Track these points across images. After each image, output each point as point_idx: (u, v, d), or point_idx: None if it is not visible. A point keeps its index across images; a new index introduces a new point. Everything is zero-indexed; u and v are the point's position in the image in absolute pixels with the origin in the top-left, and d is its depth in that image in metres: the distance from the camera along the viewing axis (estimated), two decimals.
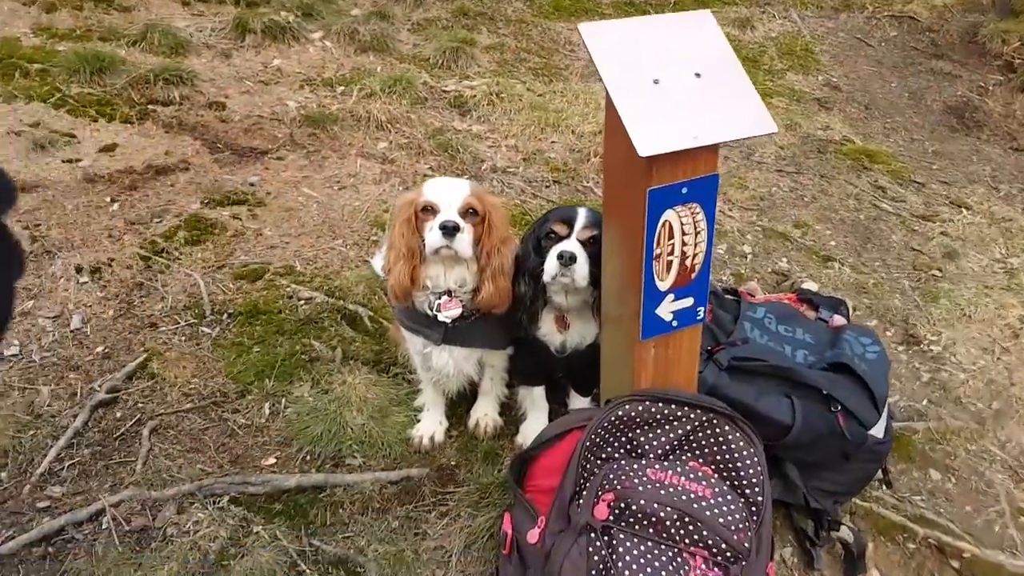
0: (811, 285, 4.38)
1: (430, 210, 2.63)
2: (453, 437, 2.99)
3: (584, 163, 5.27)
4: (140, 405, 3.16)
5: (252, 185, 4.72)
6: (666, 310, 2.43)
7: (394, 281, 2.61)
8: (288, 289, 3.62)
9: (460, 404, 3.18)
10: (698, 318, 2.49)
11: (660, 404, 2.49)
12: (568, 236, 2.70)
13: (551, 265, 2.64)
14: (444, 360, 2.84)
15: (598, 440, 2.46)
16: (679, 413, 2.47)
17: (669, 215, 2.28)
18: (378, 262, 2.65)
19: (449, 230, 2.53)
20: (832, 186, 5.40)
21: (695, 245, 2.38)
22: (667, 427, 2.48)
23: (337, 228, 4.18)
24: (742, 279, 4.35)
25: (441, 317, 2.71)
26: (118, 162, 4.78)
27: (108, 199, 4.43)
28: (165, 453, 2.96)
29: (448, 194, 2.64)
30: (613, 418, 2.46)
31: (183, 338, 3.49)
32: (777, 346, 3.20)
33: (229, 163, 4.93)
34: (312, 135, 5.36)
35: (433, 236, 2.56)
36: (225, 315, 3.64)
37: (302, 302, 3.75)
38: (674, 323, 2.46)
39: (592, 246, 2.66)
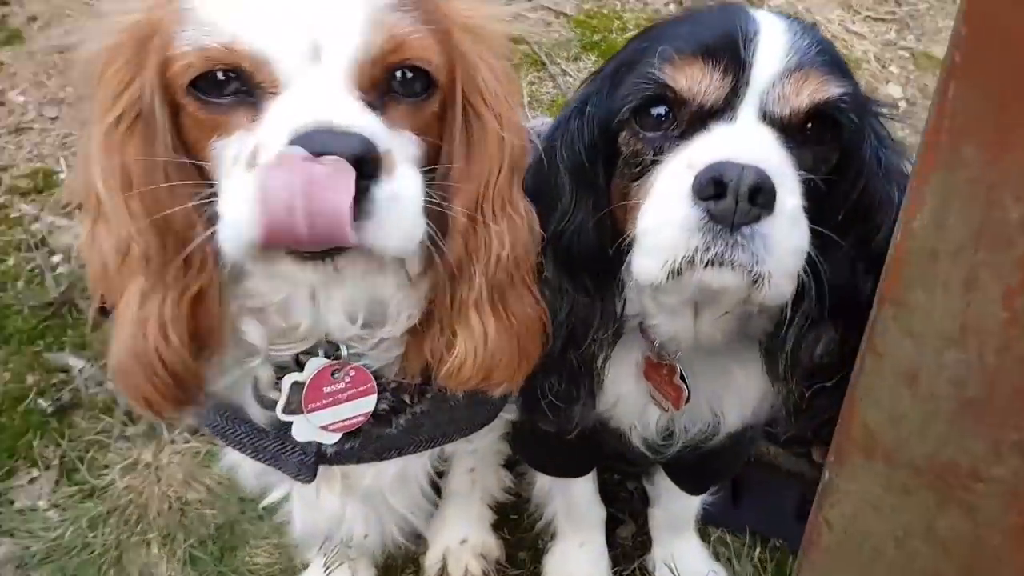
0: None
1: (234, 78, 0.69)
2: None
3: None
4: None
5: (4, 3, 2.64)
6: None
7: (145, 352, 0.73)
8: (35, 227, 1.68)
9: None
10: None
11: None
12: (730, 103, 0.78)
13: (674, 224, 0.74)
14: (331, 514, 1.01)
15: None
16: None
17: None
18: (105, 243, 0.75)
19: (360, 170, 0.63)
20: None
21: None
22: None
23: None
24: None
25: (303, 433, 0.87)
26: None
27: None
28: None
29: (308, 11, 0.68)
30: None
31: None
32: None
33: None
34: None
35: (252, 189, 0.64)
36: None
37: (57, 258, 1.80)
38: None
39: (824, 142, 0.79)
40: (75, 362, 1.60)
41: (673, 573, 1.32)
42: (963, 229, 0.57)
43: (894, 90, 2.68)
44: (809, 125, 0.78)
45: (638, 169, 0.83)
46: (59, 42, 2.16)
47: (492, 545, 1.39)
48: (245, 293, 0.78)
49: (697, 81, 0.77)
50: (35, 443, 1.50)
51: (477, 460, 1.28)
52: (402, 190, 0.68)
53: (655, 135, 0.81)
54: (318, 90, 0.66)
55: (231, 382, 0.84)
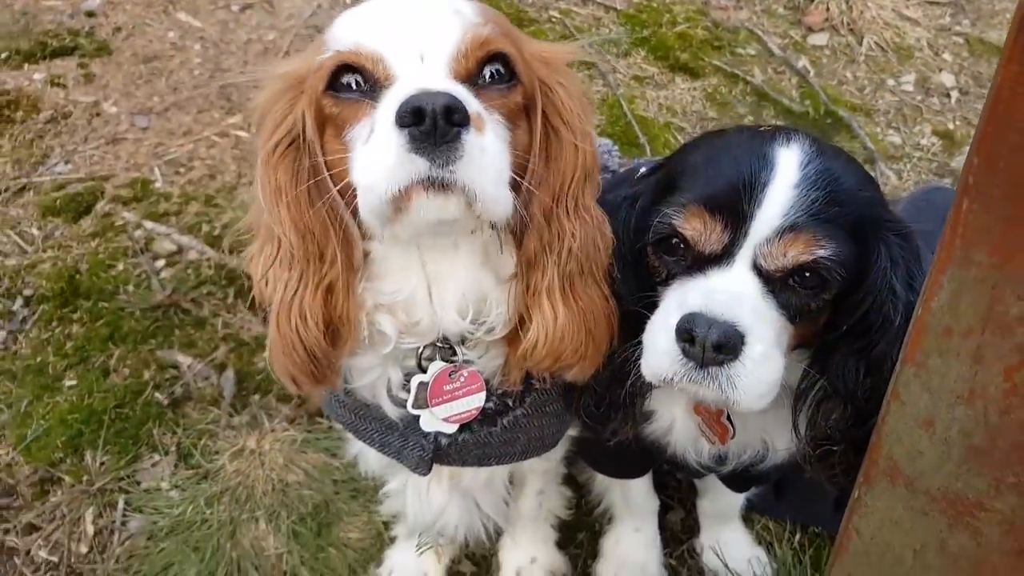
0: None
1: (364, 83, 0.86)
2: None
3: None
4: None
5: (91, 15, 2.79)
6: None
7: (288, 332, 0.92)
8: (137, 233, 1.87)
9: None
10: None
11: None
12: (728, 250, 0.92)
13: (660, 350, 0.93)
14: (437, 506, 1.21)
15: None
16: None
17: None
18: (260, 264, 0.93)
19: (433, 120, 0.76)
20: None
21: None
22: None
23: (235, 92, 2.52)
24: (951, 139, 2.48)
25: (429, 424, 1.05)
26: None
27: None
28: None
29: (414, 27, 0.86)
30: None
31: None
32: None
33: None
34: None
35: (384, 152, 0.79)
36: (19, 301, 1.93)
37: (160, 263, 2.00)
38: None
39: (813, 287, 0.92)
40: (183, 359, 1.81)
41: (719, 556, 1.48)
42: (972, 315, 0.69)
43: (947, 79, 2.69)
44: (797, 275, 0.90)
45: (659, 280, 0.99)
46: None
47: (560, 563, 1.54)
48: (379, 291, 0.95)
49: (700, 232, 0.92)
50: (155, 431, 1.71)
51: (546, 482, 1.44)
52: (489, 145, 0.81)
53: (671, 259, 0.96)
54: (421, 77, 0.82)
55: (370, 382, 1.02)
